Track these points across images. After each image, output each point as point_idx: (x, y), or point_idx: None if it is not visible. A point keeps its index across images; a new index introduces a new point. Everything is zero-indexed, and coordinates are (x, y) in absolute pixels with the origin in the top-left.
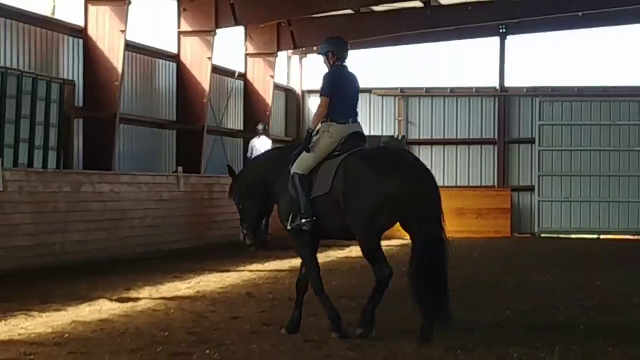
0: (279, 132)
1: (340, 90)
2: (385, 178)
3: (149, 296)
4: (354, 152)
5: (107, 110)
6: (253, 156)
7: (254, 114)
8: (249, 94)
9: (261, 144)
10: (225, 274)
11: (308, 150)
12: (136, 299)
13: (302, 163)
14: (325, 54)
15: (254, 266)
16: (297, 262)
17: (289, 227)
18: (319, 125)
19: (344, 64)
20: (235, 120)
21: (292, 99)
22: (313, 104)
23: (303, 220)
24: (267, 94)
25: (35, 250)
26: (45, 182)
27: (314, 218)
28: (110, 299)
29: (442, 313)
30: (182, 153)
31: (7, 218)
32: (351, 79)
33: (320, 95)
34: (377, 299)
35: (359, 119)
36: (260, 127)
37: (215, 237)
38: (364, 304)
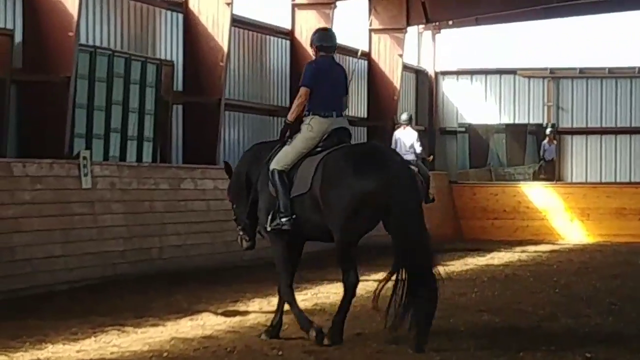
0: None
1: (324, 82)
2: (364, 177)
3: (260, 309)
4: (336, 150)
5: (211, 95)
6: (398, 150)
7: (380, 99)
8: (374, 75)
9: (406, 137)
10: None
11: (286, 145)
12: (245, 313)
13: (281, 159)
14: (310, 45)
15: (380, 275)
16: None
17: (268, 228)
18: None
19: (331, 55)
20: (357, 106)
21: (424, 82)
22: (448, 87)
23: (283, 220)
24: (394, 75)
25: (128, 256)
26: (139, 178)
27: (294, 217)
28: (215, 313)
29: (428, 319)
30: None
31: (97, 219)
32: (337, 70)
33: (300, 86)
34: (346, 309)
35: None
36: (404, 117)
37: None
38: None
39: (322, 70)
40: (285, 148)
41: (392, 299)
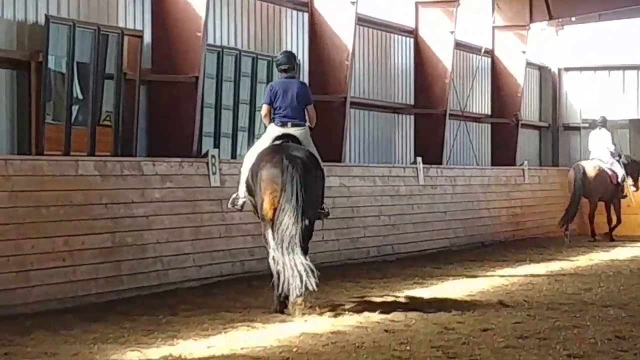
0: (532, 116)
1: (279, 98)
2: (262, 166)
3: (384, 304)
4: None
5: (336, 93)
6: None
7: (503, 95)
8: (497, 72)
9: (601, 137)
10: (473, 280)
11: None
12: (372, 309)
13: (246, 159)
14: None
15: (505, 270)
16: (553, 266)
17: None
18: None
19: (290, 74)
20: (481, 103)
21: (547, 78)
22: (571, 83)
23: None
24: (518, 72)
25: (256, 252)
26: None
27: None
28: (343, 308)
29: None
30: (420, 141)
31: (225, 217)
32: (292, 86)
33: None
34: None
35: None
36: (599, 119)
37: (460, 238)
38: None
39: (275, 89)
40: (251, 149)
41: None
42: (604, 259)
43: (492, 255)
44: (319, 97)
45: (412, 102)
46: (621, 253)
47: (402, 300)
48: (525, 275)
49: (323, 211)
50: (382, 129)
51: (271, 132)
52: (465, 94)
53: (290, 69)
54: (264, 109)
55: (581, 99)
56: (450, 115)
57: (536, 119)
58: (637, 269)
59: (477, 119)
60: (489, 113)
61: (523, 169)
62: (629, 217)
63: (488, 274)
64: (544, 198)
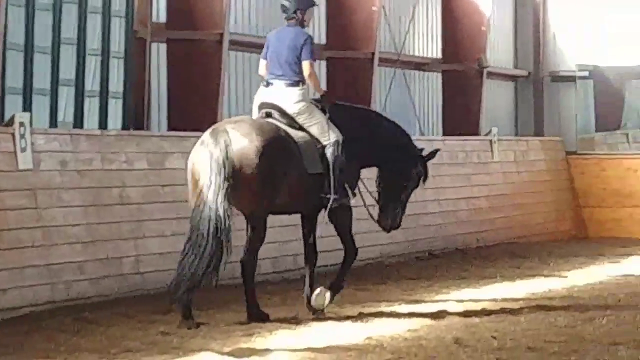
0: (504, 61)
1: (269, 51)
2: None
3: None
4: None
5: (210, 28)
6: None
7: (460, 31)
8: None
9: None
10: (416, 307)
11: None
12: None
13: None
14: None
15: (465, 293)
16: (537, 286)
17: None
18: None
19: (290, 22)
20: (427, 42)
21: (526, 5)
22: (562, 13)
23: None
24: None
25: (88, 269)
26: (105, 153)
27: None
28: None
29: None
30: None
31: (42, 216)
32: (283, 36)
33: None
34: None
35: None
36: None
37: (397, 246)
38: None
39: (269, 40)
40: None
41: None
42: (612, 274)
43: (444, 271)
44: (181, 35)
45: (324, 42)
46: (638, 265)
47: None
48: (495, 300)
49: None
50: None
51: (256, 98)
52: (404, 29)
53: (289, 15)
54: (260, 65)
55: (577, 37)
56: (381, 60)
57: (510, 65)
58: None
59: (421, 65)
60: (439, 57)
61: (490, 141)
62: None
63: (438, 298)
64: (523, 184)
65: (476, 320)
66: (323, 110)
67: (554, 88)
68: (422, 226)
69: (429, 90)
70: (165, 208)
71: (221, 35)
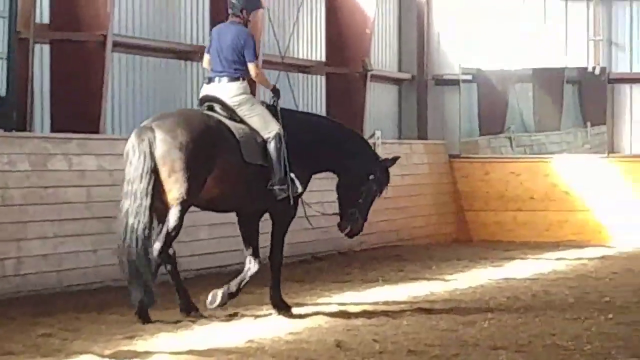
0: (388, 64)
1: (213, 47)
2: None
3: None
4: None
5: (94, 30)
6: None
7: (344, 33)
8: (334, 1)
9: None
10: (296, 310)
11: None
12: None
13: None
14: None
15: (347, 296)
16: (419, 290)
17: None
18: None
19: (234, 19)
20: (310, 45)
21: (411, 8)
22: (446, 17)
23: None
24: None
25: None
26: None
27: None
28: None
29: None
30: None
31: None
32: (224, 32)
33: None
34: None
35: None
36: None
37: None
38: None
39: (211, 36)
40: None
41: None
42: (494, 277)
43: (326, 274)
44: (65, 35)
45: (202, 43)
46: (520, 269)
47: (167, 351)
48: (377, 303)
49: None
50: (161, 81)
51: (200, 93)
52: (288, 31)
53: (235, 12)
54: (204, 58)
55: (461, 40)
56: (265, 62)
57: (394, 69)
58: (543, 292)
59: (305, 68)
60: (323, 59)
61: (374, 143)
62: (534, 215)
63: (321, 301)
64: (406, 187)
65: (358, 323)
66: (275, 108)
67: (437, 91)
68: (306, 229)
69: (313, 93)
70: (47, 210)
71: (105, 36)
